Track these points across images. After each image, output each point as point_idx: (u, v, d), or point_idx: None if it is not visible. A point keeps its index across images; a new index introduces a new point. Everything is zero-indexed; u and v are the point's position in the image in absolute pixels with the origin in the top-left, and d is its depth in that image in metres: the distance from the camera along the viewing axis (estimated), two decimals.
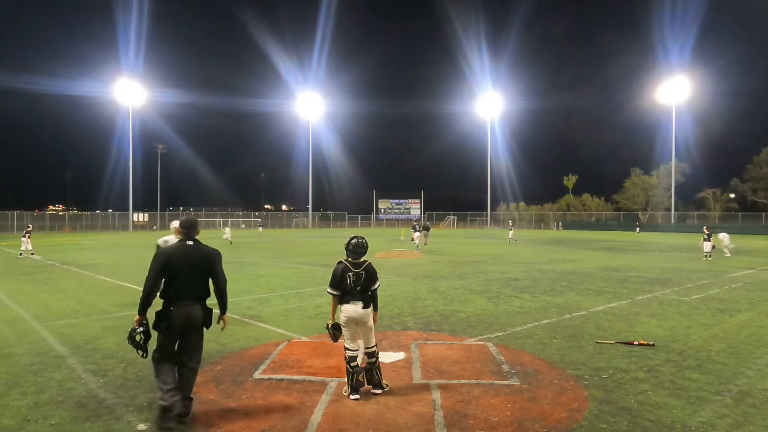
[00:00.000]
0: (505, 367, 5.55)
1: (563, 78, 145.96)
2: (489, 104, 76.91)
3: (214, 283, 4.17)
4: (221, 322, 4.32)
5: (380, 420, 4.13)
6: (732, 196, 68.23)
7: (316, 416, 4.20)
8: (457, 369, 5.48)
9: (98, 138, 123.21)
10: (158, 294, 4.03)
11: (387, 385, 4.81)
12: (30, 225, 23.24)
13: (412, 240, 25.66)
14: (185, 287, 4.02)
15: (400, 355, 5.97)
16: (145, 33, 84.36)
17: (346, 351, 4.69)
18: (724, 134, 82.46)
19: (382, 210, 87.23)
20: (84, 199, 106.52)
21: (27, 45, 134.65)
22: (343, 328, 4.74)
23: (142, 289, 4.03)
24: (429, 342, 6.69)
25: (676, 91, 62.90)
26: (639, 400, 4.59)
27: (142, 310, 4.03)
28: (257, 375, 5.28)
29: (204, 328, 4.21)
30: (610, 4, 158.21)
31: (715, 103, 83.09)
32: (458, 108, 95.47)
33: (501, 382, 5.08)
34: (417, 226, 26.69)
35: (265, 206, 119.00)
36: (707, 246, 19.69)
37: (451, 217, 79.05)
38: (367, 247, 4.85)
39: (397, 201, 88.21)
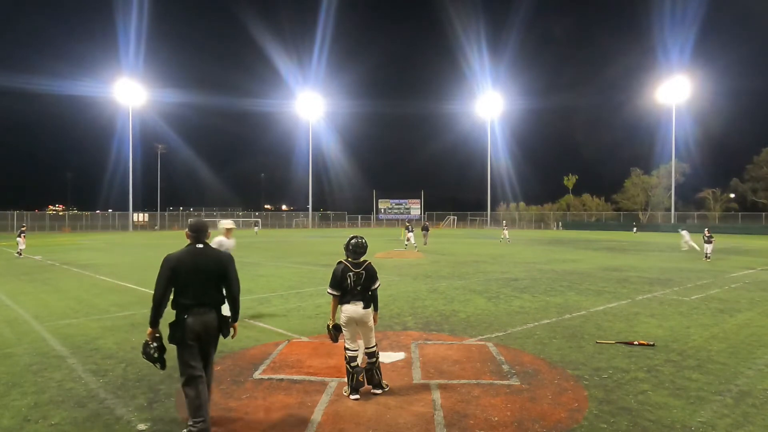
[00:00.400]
0: (505, 367, 5.55)
1: (563, 78, 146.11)
2: (489, 104, 76.88)
3: (226, 289, 3.94)
4: (231, 330, 4.07)
5: (380, 420, 4.13)
6: (732, 196, 68.26)
7: (316, 416, 4.20)
8: (457, 369, 5.48)
9: (98, 138, 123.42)
10: (170, 304, 3.80)
11: (387, 385, 4.81)
12: (24, 225, 23.21)
13: (408, 240, 25.76)
14: (198, 294, 3.78)
15: (400, 355, 5.97)
16: (145, 33, 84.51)
17: (347, 351, 4.69)
18: (724, 134, 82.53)
19: (382, 210, 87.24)
20: (84, 199, 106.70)
21: (27, 45, 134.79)
22: (343, 328, 4.74)
23: (152, 297, 3.80)
24: (429, 342, 6.69)
25: (676, 91, 62.87)
26: (639, 400, 4.59)
27: (154, 322, 3.77)
28: (257, 375, 5.27)
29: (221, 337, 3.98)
30: (610, 4, 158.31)
31: (715, 103, 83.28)
32: (458, 108, 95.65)
33: (501, 382, 5.08)
34: (410, 227, 27.05)
35: (265, 206, 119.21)
36: (708, 247, 19.71)
37: (451, 217, 79.05)
38: (366, 247, 4.86)
39: (397, 201, 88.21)
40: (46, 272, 15.31)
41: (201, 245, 3.92)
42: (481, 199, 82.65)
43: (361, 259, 4.78)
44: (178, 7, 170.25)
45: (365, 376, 4.69)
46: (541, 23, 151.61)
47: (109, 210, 70.75)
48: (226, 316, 3.94)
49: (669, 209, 65.61)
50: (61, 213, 79.28)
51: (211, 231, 4.07)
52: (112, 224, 62.93)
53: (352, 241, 4.79)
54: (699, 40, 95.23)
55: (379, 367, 4.78)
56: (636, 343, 6.55)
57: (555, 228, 67.34)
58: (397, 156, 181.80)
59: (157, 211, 73.19)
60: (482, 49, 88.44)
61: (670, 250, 25.55)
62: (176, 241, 35.85)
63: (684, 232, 25.23)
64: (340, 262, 4.77)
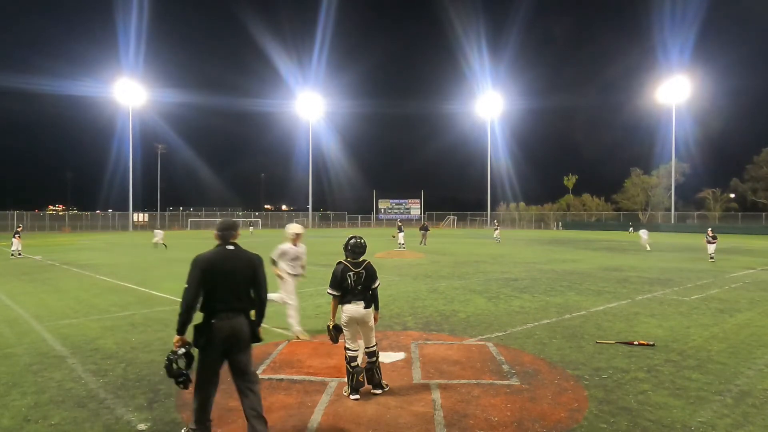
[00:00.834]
0: (505, 367, 5.55)
1: (563, 78, 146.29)
2: (489, 104, 76.90)
3: (255, 292, 3.72)
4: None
5: (380, 420, 4.13)
6: (732, 196, 68.27)
7: (316, 416, 4.20)
8: (457, 369, 5.48)
9: (98, 138, 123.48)
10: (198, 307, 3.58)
11: (387, 385, 4.82)
12: (20, 225, 23.17)
13: (399, 241, 25.90)
14: (228, 297, 3.57)
15: (400, 355, 5.97)
16: (145, 33, 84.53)
17: (347, 351, 4.70)
18: (724, 134, 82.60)
19: (382, 210, 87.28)
20: (84, 199, 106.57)
21: (27, 45, 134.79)
22: (344, 328, 4.74)
23: (181, 302, 3.53)
24: (429, 342, 6.69)
25: (676, 91, 62.89)
26: (639, 400, 4.59)
27: (182, 329, 3.52)
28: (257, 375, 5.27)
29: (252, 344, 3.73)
30: (610, 4, 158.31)
31: (715, 103, 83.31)
32: (458, 108, 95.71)
33: (501, 382, 5.08)
34: (401, 227, 27.53)
35: (265, 206, 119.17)
36: (711, 248, 19.10)
37: (451, 217, 79.06)
38: (365, 247, 4.86)
39: (397, 201, 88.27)
40: (46, 272, 15.32)
41: (231, 246, 3.72)
42: (481, 199, 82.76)
43: (360, 259, 4.79)
44: (178, 7, 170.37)
45: (365, 376, 4.69)
46: (541, 23, 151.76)
47: (109, 210, 70.78)
48: (255, 321, 3.73)
49: (669, 209, 65.61)
50: (61, 213, 79.31)
51: (240, 231, 3.92)
52: (112, 224, 62.93)
53: (351, 241, 4.81)
54: (699, 40, 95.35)
55: (379, 367, 4.79)
56: (636, 343, 6.55)
57: (555, 228, 67.33)
58: (397, 156, 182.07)
59: (157, 211, 73.16)
60: (482, 49, 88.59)
61: (670, 250, 25.55)
62: (176, 240, 35.84)
63: (642, 232, 26.93)
64: (339, 263, 4.78)
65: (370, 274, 4.74)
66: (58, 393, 4.77)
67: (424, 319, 8.17)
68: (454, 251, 24.68)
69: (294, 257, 7.05)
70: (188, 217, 72.95)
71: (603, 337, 6.97)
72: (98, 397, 4.65)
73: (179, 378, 3.50)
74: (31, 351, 6.26)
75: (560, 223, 68.90)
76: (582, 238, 41.06)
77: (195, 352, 3.56)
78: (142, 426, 4.03)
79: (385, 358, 5.74)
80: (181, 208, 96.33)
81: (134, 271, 15.42)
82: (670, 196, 65.60)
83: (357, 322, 4.70)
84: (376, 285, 4.79)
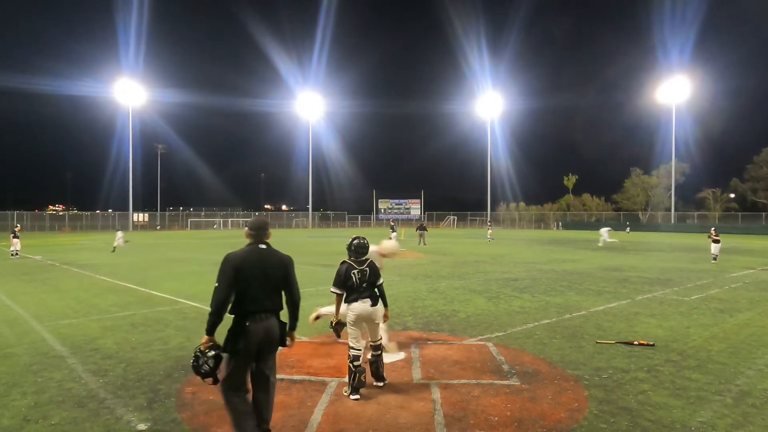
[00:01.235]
0: (505, 367, 5.55)
1: (563, 78, 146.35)
2: (489, 104, 76.83)
3: (287, 293, 3.64)
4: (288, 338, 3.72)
5: (380, 420, 4.13)
6: (732, 196, 68.26)
7: (316, 416, 4.20)
8: (457, 369, 5.48)
9: (98, 138, 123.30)
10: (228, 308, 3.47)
11: (386, 378, 4.94)
12: (18, 225, 23.10)
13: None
14: (260, 298, 3.46)
15: (400, 355, 5.97)
16: (145, 33, 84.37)
17: (351, 350, 4.72)
18: (724, 134, 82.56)
19: (382, 210, 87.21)
20: (84, 199, 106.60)
21: (27, 45, 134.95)
22: (351, 327, 4.79)
23: (211, 303, 3.40)
24: (429, 342, 6.69)
25: (676, 91, 62.86)
26: (639, 400, 4.59)
27: (212, 330, 3.40)
28: None
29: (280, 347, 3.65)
30: (610, 4, 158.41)
31: (715, 103, 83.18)
32: (458, 108, 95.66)
33: (501, 382, 5.08)
34: (394, 226, 28.10)
35: (265, 206, 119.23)
36: (714, 248, 18.36)
37: (451, 217, 79.05)
38: (368, 247, 5.01)
39: (397, 201, 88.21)
40: (46, 272, 15.31)
41: (263, 245, 3.62)
42: (481, 199, 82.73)
43: (363, 258, 4.89)
44: (178, 7, 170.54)
45: (370, 368, 4.81)
46: (541, 23, 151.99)
47: (109, 210, 70.79)
48: (285, 323, 3.63)
49: (669, 209, 65.60)
50: (61, 213, 79.21)
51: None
52: (112, 224, 62.80)
53: (355, 241, 4.93)
54: (699, 40, 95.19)
55: (382, 360, 4.91)
56: (636, 343, 6.55)
57: (555, 228, 67.32)
58: (397, 156, 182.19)
59: (157, 211, 73.20)
60: (482, 49, 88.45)
61: (670, 250, 25.55)
62: (177, 241, 35.85)
63: (603, 231, 28.46)
64: (344, 262, 4.89)
65: (374, 270, 4.88)
66: (58, 393, 4.76)
67: (424, 319, 8.17)
68: (454, 251, 24.67)
69: (383, 256, 6.36)
70: (188, 217, 72.88)
71: (603, 337, 6.97)
72: (98, 397, 4.65)
73: (206, 377, 3.42)
74: (31, 351, 6.26)
75: (560, 223, 68.88)
76: (582, 238, 41.06)
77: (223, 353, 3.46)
78: (142, 426, 4.03)
79: (385, 358, 5.71)
80: (181, 208, 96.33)
81: (134, 271, 15.42)
82: (670, 196, 65.58)
83: (365, 320, 4.79)
84: (380, 282, 4.91)
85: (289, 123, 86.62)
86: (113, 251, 23.12)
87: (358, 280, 4.77)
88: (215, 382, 3.44)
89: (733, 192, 68.39)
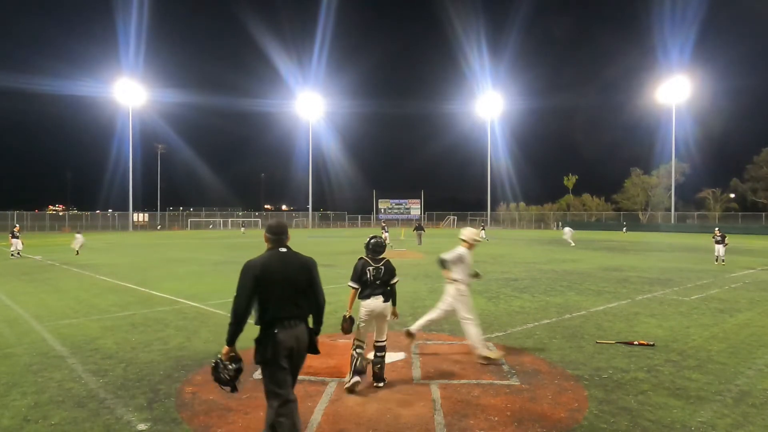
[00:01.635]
0: (505, 367, 5.55)
1: (563, 78, 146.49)
2: (489, 104, 76.91)
3: (312, 298, 3.49)
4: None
5: (380, 420, 4.13)
6: (732, 196, 68.28)
7: (316, 416, 4.20)
8: (457, 369, 5.48)
9: (98, 138, 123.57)
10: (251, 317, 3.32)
11: (386, 379, 4.99)
12: (17, 225, 23.03)
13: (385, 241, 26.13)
14: (286, 305, 3.31)
15: (400, 355, 5.97)
16: (145, 33, 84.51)
17: (356, 340, 4.90)
18: (724, 134, 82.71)
19: (382, 210, 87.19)
20: (84, 199, 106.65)
21: (27, 45, 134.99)
22: (362, 323, 4.91)
23: (232, 311, 3.27)
24: (429, 342, 6.69)
25: (676, 91, 62.91)
26: (639, 400, 4.59)
27: (232, 340, 3.28)
28: (257, 375, 5.26)
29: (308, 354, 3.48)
30: (610, 4, 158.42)
31: (715, 103, 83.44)
32: (458, 108, 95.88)
33: (501, 382, 5.08)
34: (385, 227, 28.41)
35: (265, 206, 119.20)
36: (719, 249, 17.82)
37: (451, 217, 79.06)
38: (385, 246, 5.19)
39: (397, 201, 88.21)
40: (46, 272, 15.31)
41: (284, 249, 3.46)
42: (481, 199, 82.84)
43: (379, 257, 5.06)
44: (178, 7, 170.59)
45: (372, 369, 4.91)
46: (541, 23, 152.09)
47: (109, 210, 70.78)
48: (313, 330, 3.50)
49: (669, 209, 65.61)
50: (61, 213, 79.22)
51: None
52: (112, 224, 62.93)
53: (372, 240, 5.13)
54: (699, 40, 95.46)
55: (384, 362, 4.97)
56: (636, 343, 6.55)
57: (555, 228, 67.31)
58: (397, 156, 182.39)
59: (157, 211, 73.21)
60: (482, 49, 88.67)
61: (670, 250, 25.55)
62: (177, 241, 35.85)
63: (566, 230, 31.48)
64: (360, 258, 5.08)
65: (389, 270, 5.03)
66: (58, 393, 4.76)
67: None
68: None
69: (469, 264, 6.30)
70: (188, 217, 72.91)
71: (603, 337, 6.97)
72: (98, 397, 4.65)
73: (226, 386, 3.30)
74: (31, 351, 6.26)
75: (560, 223, 68.87)
76: (582, 238, 41.03)
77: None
78: (142, 426, 4.03)
79: (386, 358, 5.73)
80: (181, 208, 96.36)
81: (134, 271, 15.42)
82: (670, 196, 65.61)
83: (376, 316, 4.91)
84: (395, 281, 5.08)
85: (289, 123, 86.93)
86: (77, 254, 21.56)
87: (373, 277, 4.92)
88: (234, 390, 3.34)
89: (733, 192, 68.42)
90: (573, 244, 28.80)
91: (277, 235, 3.48)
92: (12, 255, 20.70)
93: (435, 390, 4.82)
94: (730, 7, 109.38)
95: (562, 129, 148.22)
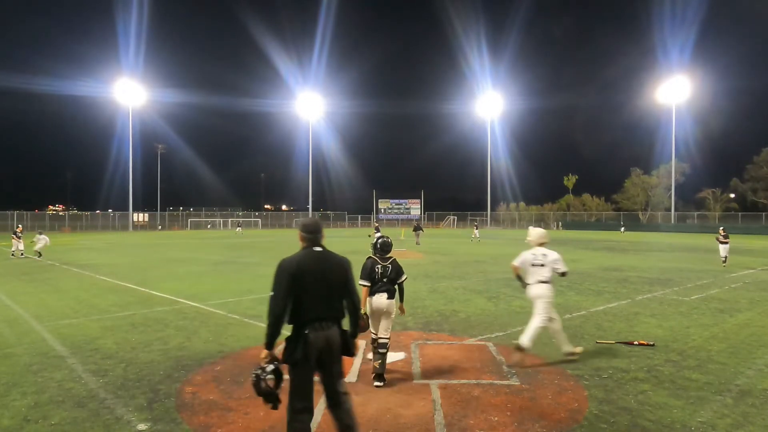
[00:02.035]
0: (505, 367, 5.55)
1: (563, 78, 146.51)
2: (489, 104, 76.87)
3: (347, 298, 3.38)
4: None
5: (380, 420, 4.14)
6: (732, 196, 68.28)
7: (316, 416, 4.19)
8: (457, 369, 5.49)
9: (98, 138, 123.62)
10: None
11: (386, 379, 5.02)
12: (20, 226, 23.00)
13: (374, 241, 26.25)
14: (319, 305, 3.23)
15: (400, 355, 5.97)
16: (145, 33, 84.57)
17: (372, 334, 5.09)
18: (724, 134, 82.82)
19: (382, 210, 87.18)
20: (84, 199, 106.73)
21: (27, 45, 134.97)
22: (369, 318, 5.00)
23: (268, 314, 3.19)
24: (429, 342, 6.69)
25: (676, 91, 62.87)
26: (639, 400, 4.59)
27: (271, 343, 3.17)
28: None
29: (343, 357, 3.38)
30: (610, 4, 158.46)
31: (715, 103, 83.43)
32: (458, 108, 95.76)
33: (501, 382, 5.08)
34: (378, 227, 28.24)
35: (265, 206, 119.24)
36: (723, 249, 17.18)
37: (451, 217, 79.04)
38: (392, 246, 5.39)
39: (397, 201, 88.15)
40: (46, 272, 15.31)
41: (319, 248, 3.39)
42: (481, 199, 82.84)
43: (387, 256, 5.26)
44: (178, 7, 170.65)
45: (373, 366, 5.03)
46: (541, 23, 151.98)
47: (109, 210, 70.76)
48: (347, 331, 3.39)
49: (669, 209, 65.60)
50: (61, 213, 79.20)
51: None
52: (112, 224, 62.91)
53: (380, 240, 5.33)
54: (699, 40, 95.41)
55: (385, 359, 5.04)
56: (636, 343, 6.55)
57: (555, 228, 67.30)
58: (397, 156, 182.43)
59: (157, 211, 73.17)
60: (482, 49, 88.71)
61: (670, 250, 25.55)
62: (177, 241, 35.84)
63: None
64: (369, 257, 5.26)
65: (396, 268, 5.24)
66: (58, 393, 4.76)
67: (424, 319, 8.17)
68: (453, 251, 24.67)
69: (539, 263, 6.32)
70: (188, 217, 72.89)
71: (603, 337, 6.97)
72: (98, 397, 4.65)
73: (269, 397, 3.17)
74: (31, 351, 6.26)
75: (560, 223, 68.88)
76: (582, 238, 41.03)
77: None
78: (142, 426, 4.03)
79: (387, 357, 5.74)
80: (181, 208, 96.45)
81: (134, 271, 15.42)
82: (670, 196, 65.59)
83: (381, 312, 5.06)
84: (402, 279, 5.28)
85: (289, 123, 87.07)
86: (40, 256, 20.37)
87: (380, 275, 5.12)
88: (276, 407, 3.17)
89: (733, 192, 68.42)
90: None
91: (312, 233, 3.42)
92: (12, 255, 20.71)
93: (435, 390, 4.82)
94: (730, 8, 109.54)
95: (562, 129, 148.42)
